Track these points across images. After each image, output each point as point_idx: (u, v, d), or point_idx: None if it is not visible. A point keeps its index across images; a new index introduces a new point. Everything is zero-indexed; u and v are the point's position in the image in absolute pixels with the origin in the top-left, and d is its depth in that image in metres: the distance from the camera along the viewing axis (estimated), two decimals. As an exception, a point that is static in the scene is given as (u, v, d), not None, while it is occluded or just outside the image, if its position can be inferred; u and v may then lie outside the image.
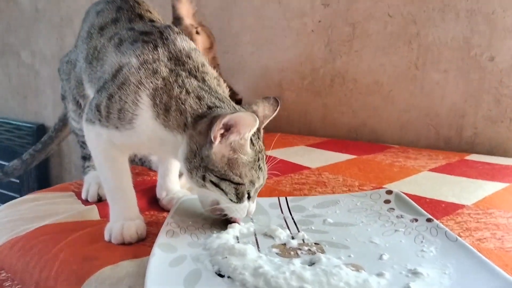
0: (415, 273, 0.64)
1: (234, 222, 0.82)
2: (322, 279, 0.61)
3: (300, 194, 1.07)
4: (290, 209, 0.93)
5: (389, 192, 0.96)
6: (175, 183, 1.02)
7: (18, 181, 2.67)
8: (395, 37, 1.79)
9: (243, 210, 0.79)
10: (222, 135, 0.74)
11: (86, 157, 1.13)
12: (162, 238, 0.76)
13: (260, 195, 0.84)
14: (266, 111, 0.84)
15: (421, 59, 1.76)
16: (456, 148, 1.71)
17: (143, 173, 1.21)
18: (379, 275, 0.64)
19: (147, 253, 0.68)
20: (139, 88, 0.76)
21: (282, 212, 0.91)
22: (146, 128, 0.78)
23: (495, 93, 1.64)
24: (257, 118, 0.73)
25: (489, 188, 1.14)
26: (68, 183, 1.13)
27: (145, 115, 0.77)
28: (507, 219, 0.92)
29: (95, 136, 0.83)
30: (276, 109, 0.85)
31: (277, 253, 0.72)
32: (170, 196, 0.98)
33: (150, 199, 1.01)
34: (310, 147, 1.65)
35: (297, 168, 1.32)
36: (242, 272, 0.63)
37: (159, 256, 0.69)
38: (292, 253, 0.72)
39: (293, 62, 2.01)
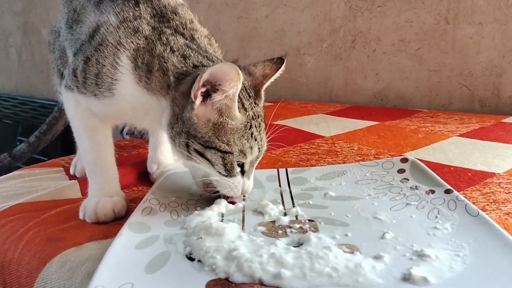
0: (420, 255, 0.56)
1: (232, 202, 0.75)
2: (305, 263, 0.55)
3: (306, 165, 1.00)
4: (290, 181, 0.86)
5: (404, 160, 0.87)
6: (168, 155, 0.95)
7: (46, 159, 2.69)
8: (423, -12, 1.67)
9: (237, 187, 0.72)
10: (206, 96, 0.67)
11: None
12: (135, 217, 0.70)
13: (260, 167, 0.77)
14: (266, 70, 0.76)
15: (452, 12, 1.63)
16: (493, 111, 1.60)
17: (140, 146, 1.16)
18: (377, 258, 0.56)
19: (120, 233, 0.62)
20: (118, 50, 0.71)
21: (280, 186, 0.85)
22: (127, 94, 0.72)
23: (539, 46, 1.49)
24: (239, 71, 0.64)
25: (528, 154, 1.04)
26: (60, 158, 1.08)
27: (125, 79, 0.71)
28: (545, 190, 0.82)
29: (74, 104, 0.79)
30: (279, 67, 0.77)
31: (263, 232, 0.66)
32: (161, 169, 0.93)
33: (141, 173, 0.96)
34: (329, 115, 1.56)
35: (309, 137, 1.25)
36: (213, 256, 0.58)
37: (127, 237, 0.64)
38: (280, 232, 0.66)
39: (311, 23, 1.91)
